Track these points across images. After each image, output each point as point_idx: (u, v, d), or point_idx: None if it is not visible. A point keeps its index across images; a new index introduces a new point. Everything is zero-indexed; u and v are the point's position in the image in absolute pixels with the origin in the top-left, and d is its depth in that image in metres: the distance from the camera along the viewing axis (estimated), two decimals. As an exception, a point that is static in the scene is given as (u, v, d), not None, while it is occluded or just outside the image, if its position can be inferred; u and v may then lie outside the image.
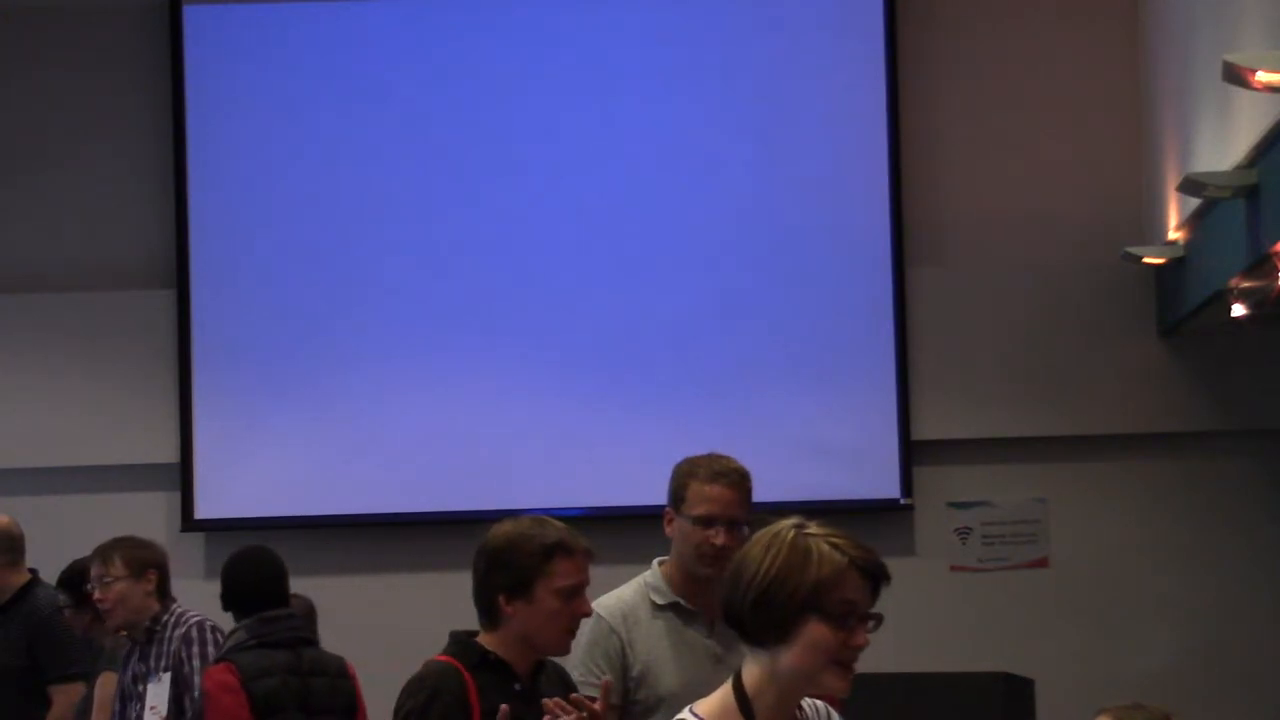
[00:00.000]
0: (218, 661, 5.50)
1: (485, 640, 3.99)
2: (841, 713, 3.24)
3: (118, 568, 5.93)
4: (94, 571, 6.05)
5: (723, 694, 3.04)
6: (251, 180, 9.11)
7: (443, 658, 3.99)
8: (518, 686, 3.96)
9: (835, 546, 2.97)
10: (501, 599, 3.94)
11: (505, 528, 4.02)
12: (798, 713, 3.10)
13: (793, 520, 3.04)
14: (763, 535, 3.03)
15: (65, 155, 9.25)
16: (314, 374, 9.03)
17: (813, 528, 3.02)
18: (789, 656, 2.97)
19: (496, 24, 9.10)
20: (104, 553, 6.03)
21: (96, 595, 6.03)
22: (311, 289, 9.06)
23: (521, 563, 3.94)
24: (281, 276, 9.08)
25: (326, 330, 9.04)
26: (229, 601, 5.79)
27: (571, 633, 4.04)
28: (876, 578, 2.99)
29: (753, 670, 3.02)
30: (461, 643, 4.00)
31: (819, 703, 3.17)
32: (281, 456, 9.00)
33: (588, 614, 4.08)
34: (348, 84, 9.12)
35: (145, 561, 5.99)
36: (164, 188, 9.14)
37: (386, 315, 9.04)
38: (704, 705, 3.05)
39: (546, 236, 9.04)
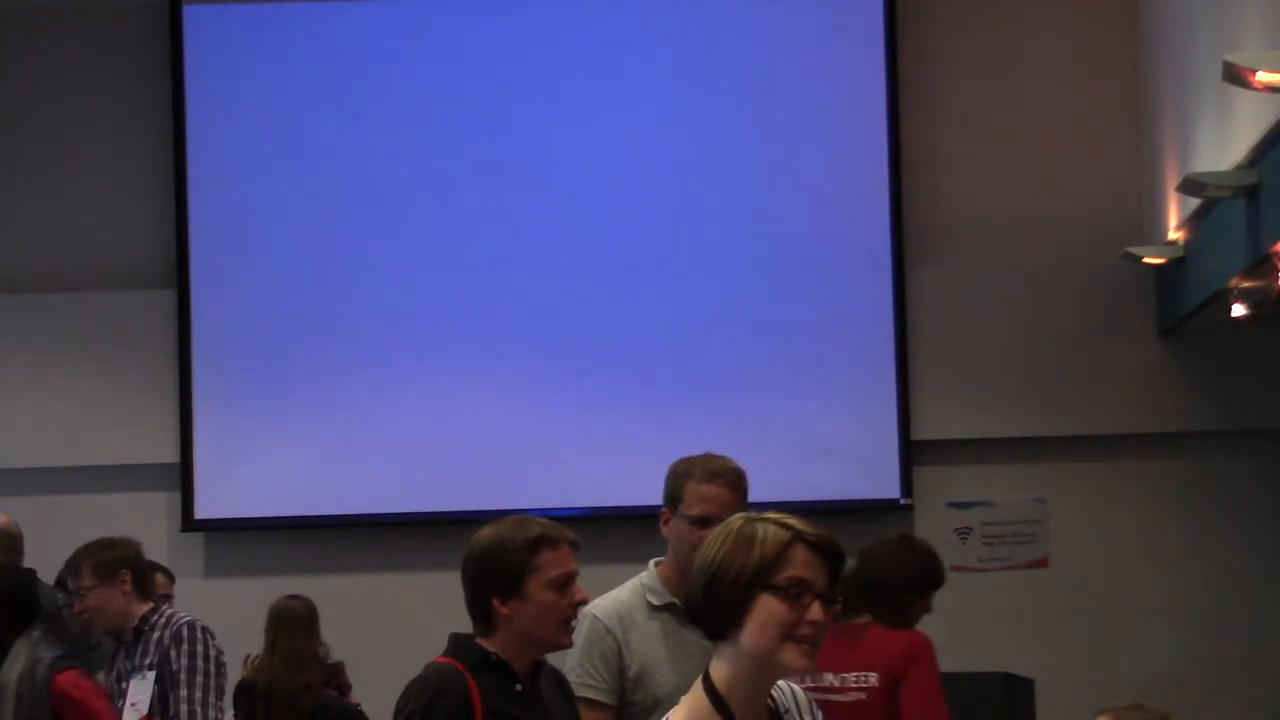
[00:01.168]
0: (66, 669, 5.40)
1: (484, 644, 3.99)
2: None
3: (87, 577, 5.84)
4: (69, 585, 5.99)
5: (694, 697, 3.01)
6: (251, 180, 9.11)
7: (444, 659, 3.99)
8: (519, 688, 3.96)
9: (782, 525, 2.97)
10: (496, 601, 3.93)
11: (488, 532, 4.01)
12: (769, 702, 3.08)
13: (754, 514, 3.03)
14: (718, 529, 3.03)
15: (65, 155, 9.26)
16: (314, 374, 9.03)
17: (767, 515, 3.01)
18: (747, 638, 2.94)
19: (497, 26, 9.10)
20: (72, 565, 5.94)
21: (76, 608, 5.96)
22: (311, 289, 9.07)
23: (509, 561, 3.93)
24: (282, 277, 9.09)
25: (327, 330, 9.05)
26: (27, 615, 5.61)
27: (569, 624, 4.02)
28: (830, 555, 2.97)
29: (720, 666, 3.00)
30: (462, 644, 4.00)
31: (786, 685, 3.13)
32: (281, 456, 9.01)
33: (584, 601, 4.07)
34: (348, 84, 9.12)
35: (114, 564, 5.87)
36: (164, 188, 9.15)
37: (386, 316, 9.04)
38: (679, 710, 3.02)
39: (546, 237, 9.04)
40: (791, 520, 2.98)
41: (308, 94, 9.13)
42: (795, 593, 2.93)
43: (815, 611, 2.93)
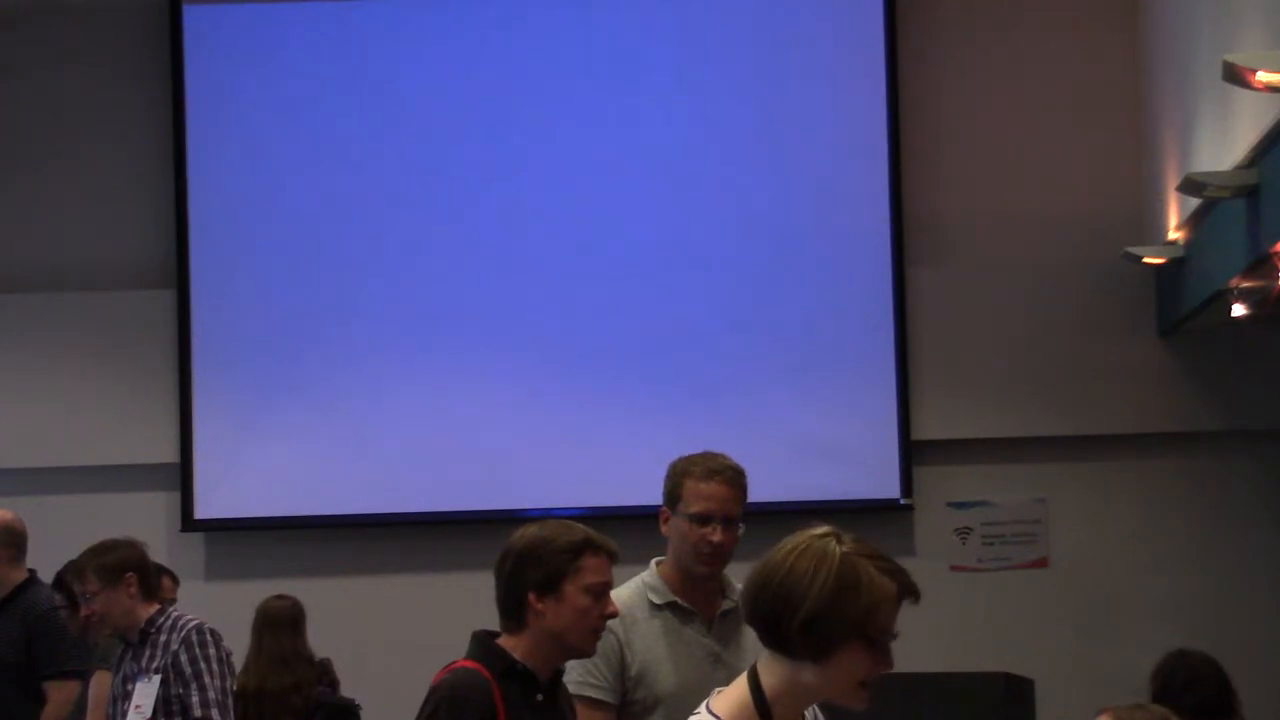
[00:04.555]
0: None
1: (508, 644, 3.96)
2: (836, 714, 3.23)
3: (92, 582, 5.81)
4: (75, 589, 5.97)
5: (739, 693, 2.98)
6: (251, 180, 9.11)
7: (470, 663, 3.95)
8: (540, 697, 3.95)
9: (884, 571, 2.92)
10: (532, 596, 3.90)
11: (532, 529, 3.99)
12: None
13: (828, 530, 2.97)
14: (805, 549, 2.94)
15: (65, 155, 9.26)
16: (314, 374, 9.03)
17: (850, 542, 2.94)
18: (820, 674, 2.92)
19: (496, 25, 9.10)
20: (77, 569, 5.91)
21: (83, 612, 5.96)
22: (311, 289, 9.06)
23: (552, 559, 3.92)
24: (281, 276, 9.08)
25: (326, 330, 9.04)
26: None
27: (598, 634, 4.01)
28: (909, 599, 2.96)
29: (773, 672, 2.96)
30: (487, 647, 3.96)
31: None
32: (281, 456, 9.00)
33: (614, 614, 4.06)
34: (348, 84, 9.12)
35: (118, 566, 5.82)
36: (164, 188, 9.15)
37: (386, 316, 9.04)
38: (721, 704, 2.99)
39: (546, 237, 9.04)
40: (887, 564, 2.94)
41: (308, 94, 9.13)
42: (882, 644, 2.92)
43: (890, 659, 2.93)
